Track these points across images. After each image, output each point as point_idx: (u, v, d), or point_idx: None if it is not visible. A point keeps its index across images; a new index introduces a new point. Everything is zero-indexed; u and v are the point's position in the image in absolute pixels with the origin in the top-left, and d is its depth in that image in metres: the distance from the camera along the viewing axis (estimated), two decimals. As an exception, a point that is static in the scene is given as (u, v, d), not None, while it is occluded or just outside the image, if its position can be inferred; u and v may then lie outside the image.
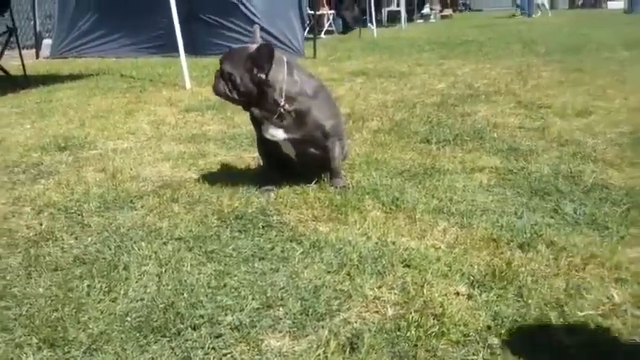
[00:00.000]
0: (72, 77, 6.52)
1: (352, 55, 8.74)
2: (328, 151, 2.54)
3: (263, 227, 2.17)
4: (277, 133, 2.47)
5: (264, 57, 2.32)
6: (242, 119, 3.88)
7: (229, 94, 2.41)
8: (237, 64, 2.37)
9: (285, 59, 2.43)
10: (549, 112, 4.15)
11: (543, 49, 8.55)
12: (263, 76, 2.34)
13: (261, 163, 2.77)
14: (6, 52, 6.72)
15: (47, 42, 9.76)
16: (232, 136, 3.62)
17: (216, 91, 2.44)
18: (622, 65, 6.57)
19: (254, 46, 2.38)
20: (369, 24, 14.30)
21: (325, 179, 2.61)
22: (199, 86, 5.60)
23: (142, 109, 4.60)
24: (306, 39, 9.46)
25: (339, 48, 9.93)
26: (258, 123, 2.51)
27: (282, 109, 2.39)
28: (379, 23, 15.37)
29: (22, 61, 6.78)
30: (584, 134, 3.49)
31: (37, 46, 9.70)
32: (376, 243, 2.02)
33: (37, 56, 9.42)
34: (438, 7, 24.13)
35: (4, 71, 6.53)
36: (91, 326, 1.53)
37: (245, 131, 3.62)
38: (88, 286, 1.74)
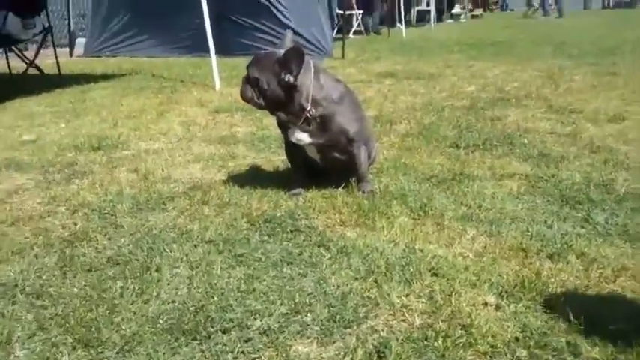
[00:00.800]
0: (105, 77, 6.64)
1: (381, 55, 8.72)
2: (353, 156, 2.55)
3: (291, 231, 2.19)
4: (302, 137, 2.48)
5: (294, 60, 2.32)
6: (270, 121, 3.89)
7: (256, 99, 2.42)
8: (264, 69, 2.37)
9: (311, 63, 2.44)
10: (581, 117, 4.09)
11: (575, 51, 8.42)
12: (292, 79, 2.34)
13: (289, 167, 2.79)
14: (41, 51, 6.89)
15: (81, 41, 9.96)
16: (261, 138, 3.65)
17: (243, 97, 2.46)
18: (657, 69, 6.43)
19: (281, 51, 2.39)
20: (397, 24, 14.24)
21: (353, 183, 2.62)
22: (229, 87, 5.66)
23: (173, 109, 4.67)
24: (335, 39, 9.47)
25: (368, 49, 9.91)
26: (284, 127, 2.53)
27: (308, 114, 2.41)
28: (408, 23, 15.28)
29: (57, 60, 6.94)
30: (616, 141, 3.44)
31: (71, 45, 9.91)
32: (404, 250, 2.02)
33: (71, 55, 9.62)
34: (469, 7, 23.90)
35: (40, 70, 6.70)
36: (124, 327, 1.57)
37: (274, 134, 3.65)
38: (121, 287, 1.78)
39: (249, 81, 2.41)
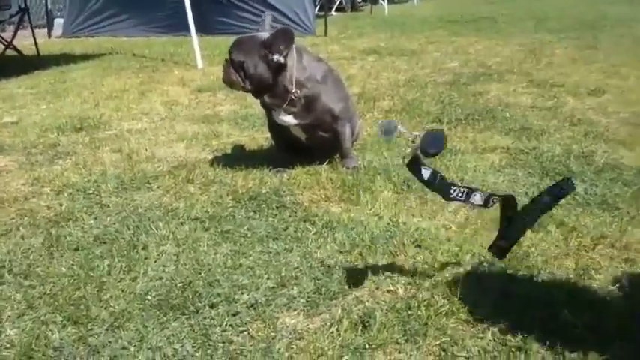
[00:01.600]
0: (85, 57, 6.55)
1: (363, 32, 8.69)
2: (338, 134, 2.57)
3: (277, 208, 2.22)
4: (287, 119, 2.49)
5: (282, 40, 2.31)
6: (253, 98, 3.90)
7: (242, 83, 2.41)
8: (249, 52, 2.36)
9: (294, 44, 2.44)
10: (562, 90, 4.14)
11: (557, 26, 8.45)
12: (282, 59, 2.33)
13: (273, 145, 2.80)
14: (18, 33, 6.76)
15: (59, 21, 9.78)
16: (244, 116, 3.65)
17: (227, 81, 2.44)
18: (637, 42, 6.49)
19: (264, 34, 2.38)
20: (380, 0, 14.16)
21: (337, 160, 2.64)
22: (211, 65, 5.62)
23: (155, 89, 4.64)
24: (317, 16, 9.40)
25: (350, 26, 9.86)
26: (268, 109, 2.54)
27: (292, 96, 2.41)
28: (391, 0, 15.18)
29: (35, 41, 6.83)
30: (596, 113, 3.49)
31: (49, 25, 9.73)
32: (388, 223, 2.06)
33: (50, 36, 9.45)
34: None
35: (18, 51, 6.59)
36: (112, 304, 1.59)
37: (257, 111, 3.64)
38: (109, 265, 1.80)
39: (232, 65, 2.39)
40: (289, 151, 2.66)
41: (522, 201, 2.19)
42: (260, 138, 3.14)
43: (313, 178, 2.50)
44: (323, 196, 2.32)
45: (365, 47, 6.86)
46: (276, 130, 2.61)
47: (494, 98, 3.97)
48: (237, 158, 2.79)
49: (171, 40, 7.68)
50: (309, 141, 2.60)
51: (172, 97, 4.34)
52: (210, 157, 2.86)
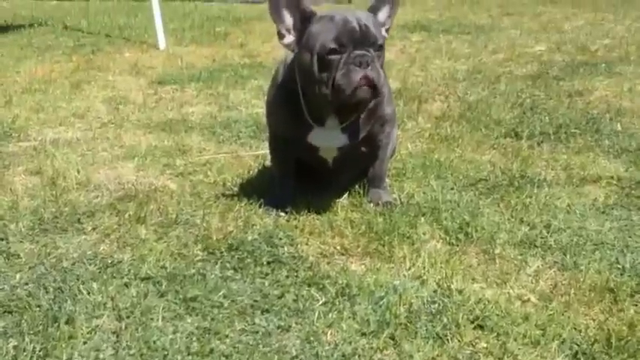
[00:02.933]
0: (-7, 29, 6.67)
1: (406, -2, 8.78)
2: (379, 147, 2.59)
3: (268, 263, 2.22)
4: (341, 140, 2.51)
5: (391, 7, 2.46)
6: (238, 96, 3.93)
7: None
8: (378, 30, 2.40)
9: None
10: (702, 90, 4.15)
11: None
12: (386, 34, 2.48)
13: (269, 164, 2.81)
14: None
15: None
16: (225, 122, 3.68)
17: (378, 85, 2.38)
18: None
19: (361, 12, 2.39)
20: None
21: (361, 191, 2.65)
22: (178, 45, 5.68)
23: (95, 79, 4.70)
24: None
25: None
26: (304, 129, 2.51)
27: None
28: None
29: None
30: None
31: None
32: (434, 291, 2.05)
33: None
34: None
35: None
36: (18, 408, 1.60)
37: (244, 115, 3.69)
38: (15, 347, 1.80)
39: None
40: (295, 176, 2.67)
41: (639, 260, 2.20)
42: (247, 156, 3.17)
43: (325, 218, 2.50)
44: (338, 247, 2.32)
45: (408, 20, 6.92)
46: (292, 150, 2.61)
47: (599, 101, 3.98)
48: (213, 186, 2.81)
49: (121, 6, 7.79)
50: (337, 164, 2.61)
51: (120, 91, 4.40)
52: (172, 184, 2.88)
